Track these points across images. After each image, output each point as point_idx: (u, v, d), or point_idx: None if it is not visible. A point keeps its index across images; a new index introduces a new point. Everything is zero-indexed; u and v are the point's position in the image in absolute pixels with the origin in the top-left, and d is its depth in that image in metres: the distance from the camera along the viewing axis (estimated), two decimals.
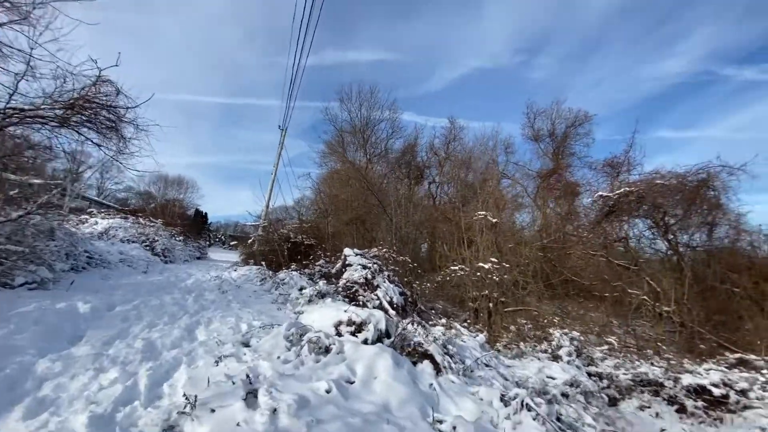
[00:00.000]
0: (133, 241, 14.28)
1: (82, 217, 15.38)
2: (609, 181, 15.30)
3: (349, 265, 8.41)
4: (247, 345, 3.90)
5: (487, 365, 5.83)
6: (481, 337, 6.62)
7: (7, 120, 6.08)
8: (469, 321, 10.50)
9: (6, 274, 5.95)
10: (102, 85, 6.68)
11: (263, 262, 13.24)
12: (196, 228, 50.92)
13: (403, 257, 10.10)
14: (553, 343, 7.13)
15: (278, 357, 3.50)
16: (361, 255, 8.76)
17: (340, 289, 7.68)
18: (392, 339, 5.23)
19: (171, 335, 4.10)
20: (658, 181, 10.70)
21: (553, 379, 5.91)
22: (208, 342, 3.96)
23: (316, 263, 11.92)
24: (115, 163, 7.10)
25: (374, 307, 7.24)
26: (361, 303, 7.34)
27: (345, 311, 5.46)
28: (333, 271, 9.31)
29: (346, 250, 8.80)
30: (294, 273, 10.13)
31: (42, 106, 6.06)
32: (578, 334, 7.72)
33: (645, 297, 12.84)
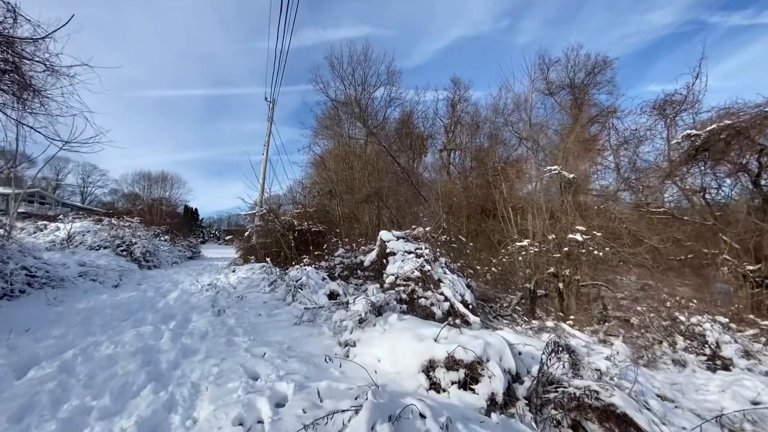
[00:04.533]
0: (105, 247, 11.74)
1: (40, 223, 12.75)
2: (664, 125, 12.95)
3: (392, 253, 6.04)
4: None
5: (660, 396, 3.58)
6: (620, 344, 4.35)
7: None
8: (522, 307, 8.32)
9: None
10: None
11: (267, 258, 10.85)
12: (187, 225, 48.41)
13: (450, 236, 7.76)
14: (710, 339, 4.89)
15: None
16: (403, 238, 6.39)
17: (387, 287, 5.34)
18: (529, 386, 2.93)
19: None
20: None
21: (758, 405, 3.70)
22: None
23: (334, 254, 9.56)
24: (20, 127, 4.50)
25: (444, 312, 4.95)
26: (422, 308, 5.03)
27: (436, 340, 3.11)
28: (366, 262, 6.95)
29: (384, 234, 6.41)
30: (309, 269, 7.77)
31: None
32: (726, 319, 5.52)
33: (726, 256, 10.72)
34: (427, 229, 7.24)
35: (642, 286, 8.84)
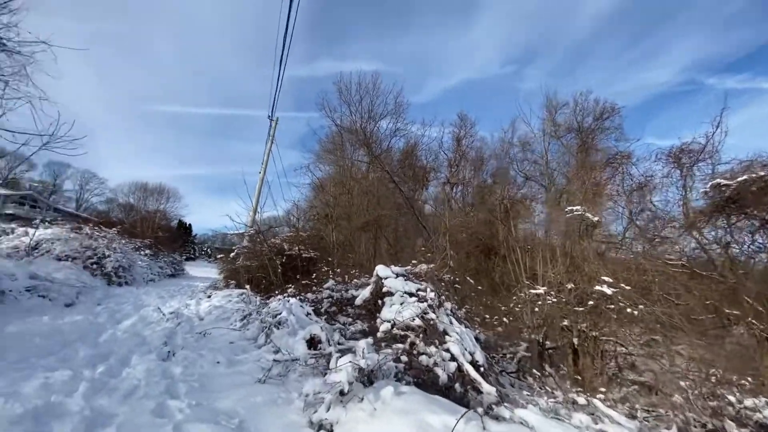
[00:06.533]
0: (74, 258, 10.71)
1: (7, 227, 11.76)
2: (680, 174, 12.34)
3: (389, 293, 5.09)
4: None
5: None
6: None
7: None
8: (528, 361, 7.28)
9: None
10: None
11: (249, 284, 9.83)
12: (178, 240, 47.18)
13: (455, 276, 6.82)
14: None
15: None
16: (403, 276, 5.46)
17: (381, 337, 4.36)
18: None
19: None
20: None
21: None
22: None
23: (323, 285, 8.55)
24: None
25: (450, 375, 3.97)
26: (424, 369, 4.04)
27: None
28: (357, 301, 5.96)
29: (381, 269, 5.47)
30: (293, 300, 6.76)
31: None
32: None
33: (752, 320, 9.78)
34: (431, 266, 6.33)
35: (647, 342, 7.86)
